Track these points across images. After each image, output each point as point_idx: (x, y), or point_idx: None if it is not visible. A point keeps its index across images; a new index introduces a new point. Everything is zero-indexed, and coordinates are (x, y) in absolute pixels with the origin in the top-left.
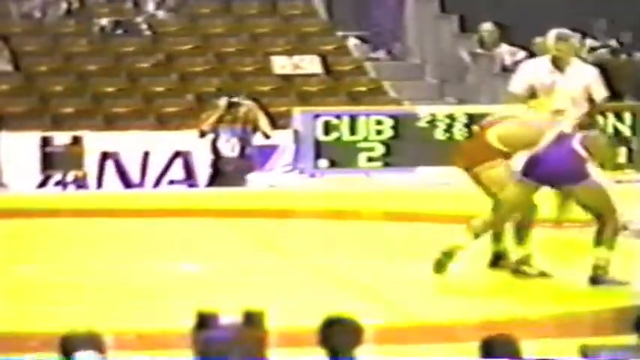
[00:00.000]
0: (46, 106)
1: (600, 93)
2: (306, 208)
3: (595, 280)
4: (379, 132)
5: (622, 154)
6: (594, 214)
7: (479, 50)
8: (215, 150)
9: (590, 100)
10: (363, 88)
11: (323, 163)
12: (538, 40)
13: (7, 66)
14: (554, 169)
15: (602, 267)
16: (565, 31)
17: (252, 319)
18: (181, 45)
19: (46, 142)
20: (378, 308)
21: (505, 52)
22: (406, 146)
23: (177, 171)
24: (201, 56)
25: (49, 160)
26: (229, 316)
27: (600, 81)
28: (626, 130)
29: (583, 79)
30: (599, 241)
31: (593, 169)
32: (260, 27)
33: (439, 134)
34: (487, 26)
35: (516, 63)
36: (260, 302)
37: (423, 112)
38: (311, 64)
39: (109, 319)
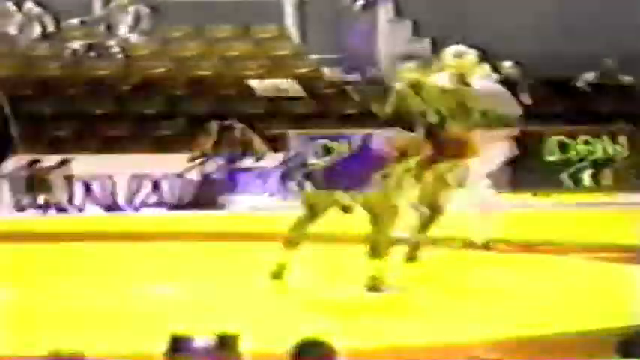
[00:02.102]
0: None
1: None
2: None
3: (372, 289)
4: None
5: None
6: (374, 220)
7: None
8: (203, 173)
9: None
10: (353, 111)
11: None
12: (507, 63)
13: None
14: (346, 176)
15: (378, 276)
16: (461, 47)
17: (226, 342)
18: (155, 68)
19: (30, 164)
20: (352, 330)
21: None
22: None
23: (164, 194)
24: (177, 80)
25: (31, 183)
26: (203, 339)
27: (510, 97)
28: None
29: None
30: (374, 250)
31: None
32: (232, 50)
33: None
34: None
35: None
36: (234, 325)
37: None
38: (293, 87)
39: (85, 342)
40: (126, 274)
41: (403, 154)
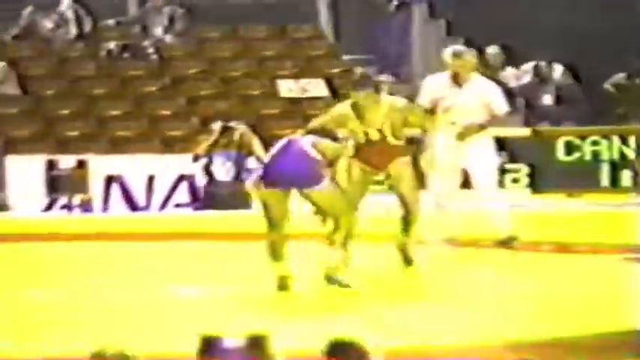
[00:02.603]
0: (52, 129)
1: (501, 107)
2: (306, 231)
3: (328, 280)
4: None
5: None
6: (331, 216)
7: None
8: (209, 174)
9: (492, 115)
10: None
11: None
12: (541, 63)
13: (14, 90)
14: (289, 173)
15: (335, 267)
16: (460, 47)
17: (256, 343)
18: (188, 69)
19: (51, 165)
20: (384, 331)
21: (510, 75)
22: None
23: (182, 194)
24: (207, 80)
25: (54, 184)
26: (233, 340)
27: (501, 96)
28: (630, 154)
29: (481, 95)
30: (332, 241)
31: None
32: (267, 50)
33: None
34: (492, 49)
35: (521, 86)
36: (264, 326)
37: None
38: (317, 88)
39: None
40: (150, 275)
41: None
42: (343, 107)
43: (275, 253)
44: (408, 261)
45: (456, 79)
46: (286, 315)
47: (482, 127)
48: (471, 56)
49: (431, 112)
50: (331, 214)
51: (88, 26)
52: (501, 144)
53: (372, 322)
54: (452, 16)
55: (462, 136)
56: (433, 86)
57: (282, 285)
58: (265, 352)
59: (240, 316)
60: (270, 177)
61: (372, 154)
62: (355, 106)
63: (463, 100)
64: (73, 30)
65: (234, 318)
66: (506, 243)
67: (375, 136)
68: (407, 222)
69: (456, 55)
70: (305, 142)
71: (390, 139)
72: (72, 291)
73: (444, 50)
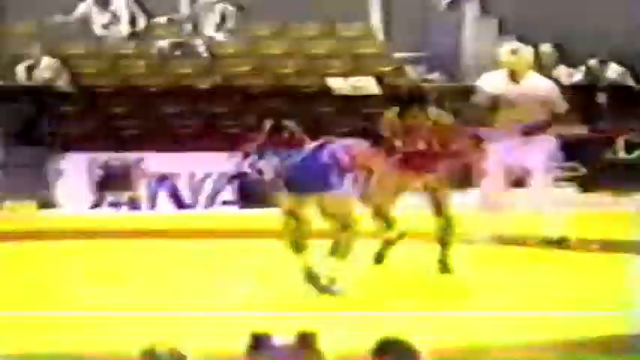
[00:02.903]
0: (104, 127)
1: (559, 106)
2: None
3: (322, 289)
4: None
5: None
6: (339, 224)
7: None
8: (258, 172)
9: (550, 113)
10: None
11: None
12: (592, 61)
13: (67, 88)
14: (303, 179)
15: (332, 278)
16: (517, 44)
17: (306, 341)
18: (239, 67)
19: (101, 162)
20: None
21: (563, 73)
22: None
23: (230, 192)
24: (258, 78)
25: (104, 181)
26: (283, 338)
27: (559, 94)
28: None
29: (539, 92)
30: (334, 250)
31: (342, 178)
32: (317, 48)
33: None
34: (545, 47)
35: (573, 84)
36: (312, 323)
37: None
38: (368, 85)
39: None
40: (198, 272)
41: (362, 164)
42: (391, 115)
43: (296, 245)
44: (446, 270)
45: (513, 77)
46: (333, 313)
47: (546, 124)
48: (528, 53)
49: (491, 109)
50: (340, 222)
51: (140, 24)
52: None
53: (417, 321)
54: (504, 13)
55: (525, 133)
56: (490, 84)
57: (308, 276)
58: (314, 349)
59: (288, 313)
60: (289, 181)
61: (414, 162)
62: (401, 116)
63: (521, 98)
64: (126, 28)
65: (283, 315)
66: (558, 243)
67: (420, 145)
68: (445, 233)
69: (513, 52)
70: (335, 146)
71: (436, 148)
72: (120, 288)
73: (499, 47)
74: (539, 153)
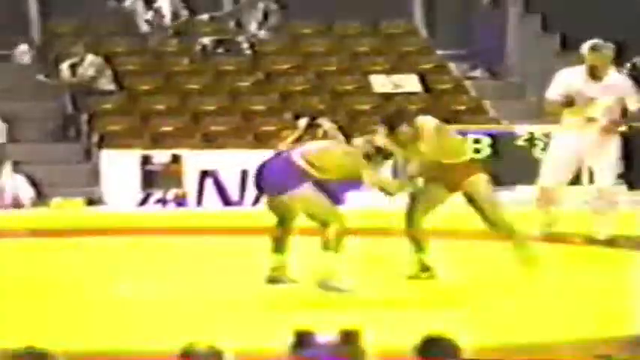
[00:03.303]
0: (147, 124)
1: (635, 104)
2: (402, 226)
3: (324, 286)
4: (477, 151)
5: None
6: (317, 221)
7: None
8: None
9: (624, 111)
10: (463, 107)
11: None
12: (638, 59)
13: (110, 85)
14: (271, 180)
15: (331, 272)
16: (599, 41)
17: (349, 338)
18: (281, 64)
19: (146, 160)
20: (476, 327)
21: None
22: (504, 165)
23: None
24: (300, 76)
25: (149, 178)
26: (327, 335)
27: (635, 92)
28: None
29: (617, 90)
30: (325, 246)
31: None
32: (360, 46)
33: (538, 153)
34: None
35: None
36: (357, 321)
37: (521, 130)
38: (410, 83)
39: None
40: (243, 270)
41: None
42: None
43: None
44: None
45: (593, 73)
46: (379, 310)
47: (625, 122)
48: (609, 50)
49: (567, 105)
50: (317, 219)
51: (183, 22)
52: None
53: (464, 319)
54: (548, 10)
55: (606, 131)
56: (568, 79)
57: (273, 278)
58: (358, 347)
59: (335, 310)
60: (259, 183)
61: (443, 176)
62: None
63: (600, 95)
64: (169, 25)
65: (329, 313)
66: (608, 242)
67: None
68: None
69: (594, 48)
70: (293, 153)
71: (448, 160)
72: (165, 285)
73: (539, 43)
74: (609, 151)
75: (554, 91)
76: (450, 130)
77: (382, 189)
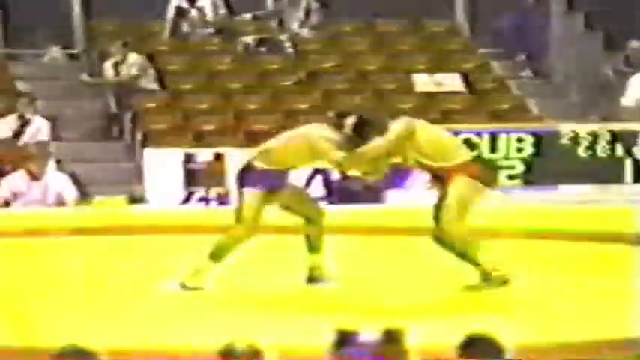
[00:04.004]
0: (189, 123)
1: None
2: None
3: (311, 280)
4: (520, 150)
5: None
6: (303, 217)
7: (624, 68)
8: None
9: None
10: (506, 106)
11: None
12: None
13: (152, 84)
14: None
15: (317, 267)
16: None
17: (392, 337)
18: (323, 63)
19: (189, 158)
20: (518, 327)
21: None
22: (548, 164)
23: (316, 188)
24: (342, 74)
25: (192, 177)
26: (369, 334)
27: None
28: None
29: None
30: (309, 244)
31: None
32: (402, 45)
33: (582, 152)
34: (635, 44)
35: None
36: (400, 319)
37: (565, 129)
38: (453, 82)
39: (252, 334)
40: (284, 268)
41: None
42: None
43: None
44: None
45: None
46: (420, 311)
47: None
48: None
49: None
50: (301, 216)
51: (225, 21)
52: None
53: (505, 318)
54: (591, 8)
55: None
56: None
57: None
58: (401, 346)
59: (375, 309)
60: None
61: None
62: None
63: None
64: (211, 24)
65: (369, 311)
66: None
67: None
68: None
69: None
70: None
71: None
72: (207, 284)
73: (582, 42)
74: None
75: (630, 97)
76: (439, 132)
77: (346, 168)
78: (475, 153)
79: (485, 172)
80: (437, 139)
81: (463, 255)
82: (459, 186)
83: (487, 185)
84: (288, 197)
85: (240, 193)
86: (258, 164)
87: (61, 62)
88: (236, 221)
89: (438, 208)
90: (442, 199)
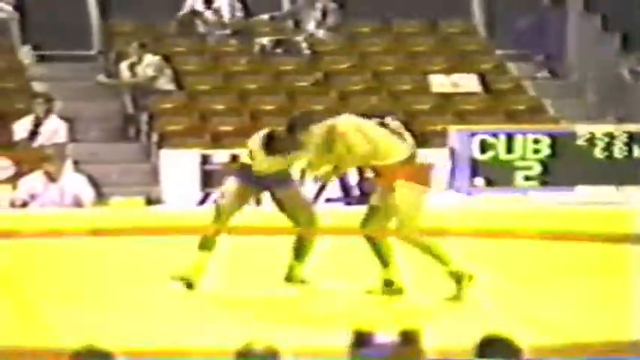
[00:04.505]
0: (206, 124)
1: None
2: (462, 227)
3: (291, 281)
4: (536, 151)
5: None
6: (293, 220)
7: None
8: (359, 169)
9: None
10: (522, 107)
11: (479, 181)
12: None
13: (169, 85)
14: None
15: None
16: None
17: (408, 338)
18: (340, 64)
19: (205, 159)
20: (534, 328)
21: None
22: (564, 165)
23: (334, 189)
24: (359, 75)
25: (208, 178)
26: (386, 335)
27: None
28: None
29: None
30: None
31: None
32: (418, 45)
33: (598, 153)
34: None
35: None
36: (415, 321)
37: (582, 130)
38: (469, 83)
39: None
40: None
41: None
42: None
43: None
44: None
45: None
46: (438, 310)
47: None
48: None
49: None
50: (292, 220)
51: (242, 22)
52: None
53: (521, 319)
54: (608, 10)
55: None
56: None
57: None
58: (417, 347)
59: (388, 310)
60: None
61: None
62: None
63: None
64: (228, 25)
65: (383, 312)
66: None
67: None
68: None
69: None
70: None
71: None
72: (224, 284)
73: (599, 43)
74: None
75: None
76: (378, 130)
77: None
78: (492, 154)
79: (421, 172)
80: (367, 139)
81: (430, 253)
82: (402, 189)
83: (424, 184)
84: (284, 199)
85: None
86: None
87: (77, 63)
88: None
89: (374, 209)
90: (383, 203)
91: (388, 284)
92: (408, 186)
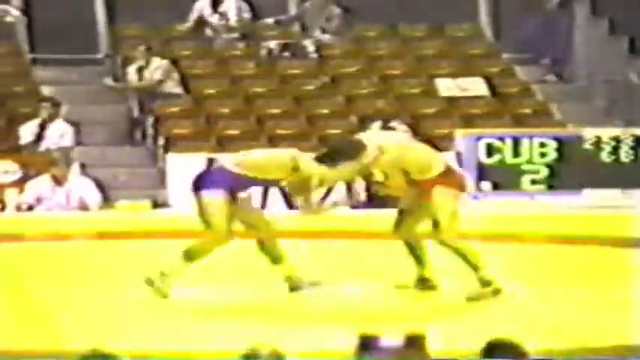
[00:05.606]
0: (213, 128)
1: None
2: (468, 230)
3: (293, 289)
4: (543, 154)
5: None
6: (246, 226)
7: None
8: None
9: None
10: (529, 111)
11: (486, 185)
12: None
13: (177, 88)
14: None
15: (295, 277)
16: None
17: (414, 342)
18: (346, 67)
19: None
20: (541, 332)
21: None
22: (571, 169)
23: (339, 193)
24: (365, 79)
25: None
26: (391, 339)
27: None
28: None
29: None
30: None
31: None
32: (425, 49)
33: (605, 157)
34: None
35: None
36: (421, 325)
37: (588, 134)
38: (476, 87)
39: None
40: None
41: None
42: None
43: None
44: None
45: None
46: (437, 316)
47: None
48: None
49: None
50: (246, 225)
51: (248, 25)
52: None
53: (529, 324)
54: (615, 13)
55: None
56: None
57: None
58: (423, 351)
59: (396, 312)
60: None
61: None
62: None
63: None
64: (235, 29)
65: (392, 315)
66: None
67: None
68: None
69: None
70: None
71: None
72: (229, 288)
73: (606, 47)
74: None
75: None
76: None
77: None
78: (498, 157)
79: (457, 177)
80: (415, 157)
81: (465, 258)
82: (441, 196)
83: (463, 191)
84: (242, 201)
85: (199, 197)
86: (231, 167)
87: (85, 67)
88: (206, 227)
89: (405, 212)
90: (419, 207)
91: (423, 281)
92: (446, 192)
